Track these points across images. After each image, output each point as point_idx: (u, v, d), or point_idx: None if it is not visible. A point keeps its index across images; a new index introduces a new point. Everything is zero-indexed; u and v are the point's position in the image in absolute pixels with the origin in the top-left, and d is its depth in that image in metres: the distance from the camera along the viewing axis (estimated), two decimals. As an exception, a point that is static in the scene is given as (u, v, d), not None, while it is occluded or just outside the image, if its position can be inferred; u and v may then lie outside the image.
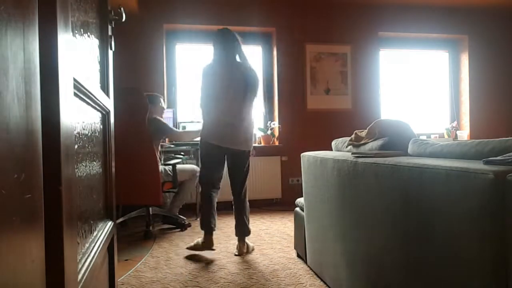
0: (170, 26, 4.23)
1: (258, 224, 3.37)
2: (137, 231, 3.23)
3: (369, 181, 1.38)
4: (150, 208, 3.11)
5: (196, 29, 4.32)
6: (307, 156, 2.10)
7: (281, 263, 2.30)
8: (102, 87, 1.27)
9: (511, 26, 5.01)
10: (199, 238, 2.55)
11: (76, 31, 0.89)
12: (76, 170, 0.81)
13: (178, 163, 3.25)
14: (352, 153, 1.64)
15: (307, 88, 4.48)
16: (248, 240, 2.62)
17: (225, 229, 3.22)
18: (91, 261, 0.94)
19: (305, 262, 2.24)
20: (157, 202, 3.07)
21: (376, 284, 1.38)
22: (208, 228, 2.48)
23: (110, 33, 1.40)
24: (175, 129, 3.40)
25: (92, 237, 1.05)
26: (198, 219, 3.59)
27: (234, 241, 2.81)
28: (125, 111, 2.88)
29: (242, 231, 2.55)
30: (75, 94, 0.84)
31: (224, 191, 4.16)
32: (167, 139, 3.88)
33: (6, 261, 0.40)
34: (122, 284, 2.01)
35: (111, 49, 1.43)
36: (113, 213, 1.41)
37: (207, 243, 2.47)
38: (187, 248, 2.52)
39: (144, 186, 2.99)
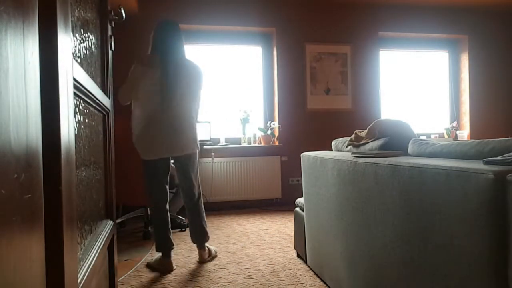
0: (170, 26, 4.23)
1: (258, 224, 3.37)
2: (136, 231, 3.23)
3: (369, 181, 1.38)
4: (148, 209, 3.11)
5: (196, 29, 4.32)
6: (307, 156, 2.10)
7: (281, 263, 2.30)
8: (102, 87, 1.27)
9: (511, 26, 5.01)
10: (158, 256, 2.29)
11: (76, 31, 0.89)
12: (76, 170, 0.81)
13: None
14: (352, 153, 1.64)
15: (307, 88, 4.48)
16: (210, 244, 2.48)
17: (225, 229, 3.22)
18: (91, 261, 0.94)
19: (305, 262, 2.24)
20: None
21: (376, 284, 1.38)
22: (167, 250, 2.23)
23: (110, 33, 1.40)
24: None
25: (92, 237, 1.05)
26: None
27: (235, 241, 2.81)
28: (125, 111, 2.88)
29: (201, 238, 2.33)
30: (75, 94, 0.84)
31: (222, 191, 4.20)
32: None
33: (6, 261, 0.40)
34: (122, 284, 2.01)
35: (111, 49, 1.43)
36: (113, 213, 1.41)
37: (167, 266, 2.21)
38: (147, 265, 2.30)
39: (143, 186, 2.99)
